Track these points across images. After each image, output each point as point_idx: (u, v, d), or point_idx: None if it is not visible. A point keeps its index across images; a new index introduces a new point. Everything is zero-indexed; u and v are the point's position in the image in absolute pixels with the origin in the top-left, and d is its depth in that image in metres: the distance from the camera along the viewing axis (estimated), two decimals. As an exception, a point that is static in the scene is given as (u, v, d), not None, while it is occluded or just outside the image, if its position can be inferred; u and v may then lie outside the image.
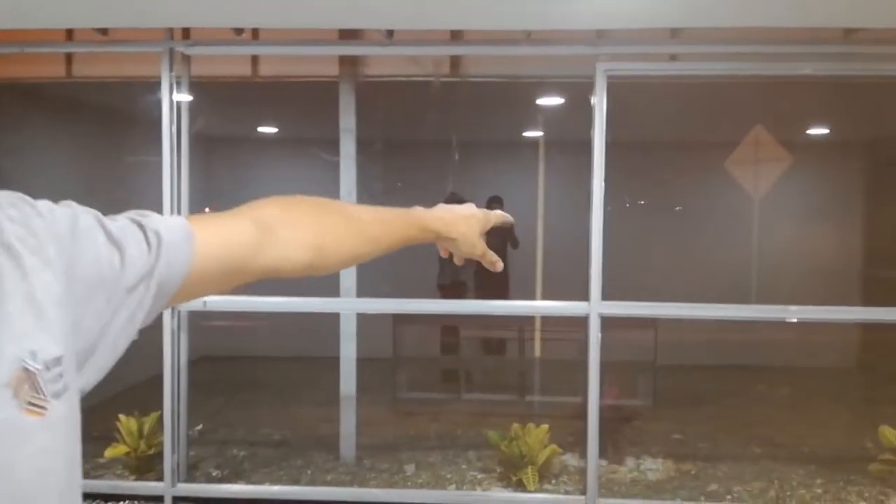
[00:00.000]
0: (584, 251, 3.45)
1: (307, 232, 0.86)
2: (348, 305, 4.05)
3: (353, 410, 4.17)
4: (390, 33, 3.52)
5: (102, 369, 0.64)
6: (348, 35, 3.70)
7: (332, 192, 3.87)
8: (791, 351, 6.20)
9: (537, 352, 5.49)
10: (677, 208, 6.82)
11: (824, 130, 6.59)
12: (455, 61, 3.94)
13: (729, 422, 5.23)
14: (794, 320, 3.76)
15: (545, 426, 3.93)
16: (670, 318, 4.33)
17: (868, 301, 6.78)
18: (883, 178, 6.73)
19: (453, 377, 5.88)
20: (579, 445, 4.19)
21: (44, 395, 0.54)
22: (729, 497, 3.87)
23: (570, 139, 5.62)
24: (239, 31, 3.54)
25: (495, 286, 5.30)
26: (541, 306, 4.93)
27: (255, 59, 4.20)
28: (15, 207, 0.59)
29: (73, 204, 0.65)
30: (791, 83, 3.74)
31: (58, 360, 0.56)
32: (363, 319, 4.18)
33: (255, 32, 3.71)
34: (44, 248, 0.59)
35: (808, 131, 6.51)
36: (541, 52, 3.48)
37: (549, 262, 5.18)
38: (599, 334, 3.48)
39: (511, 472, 3.86)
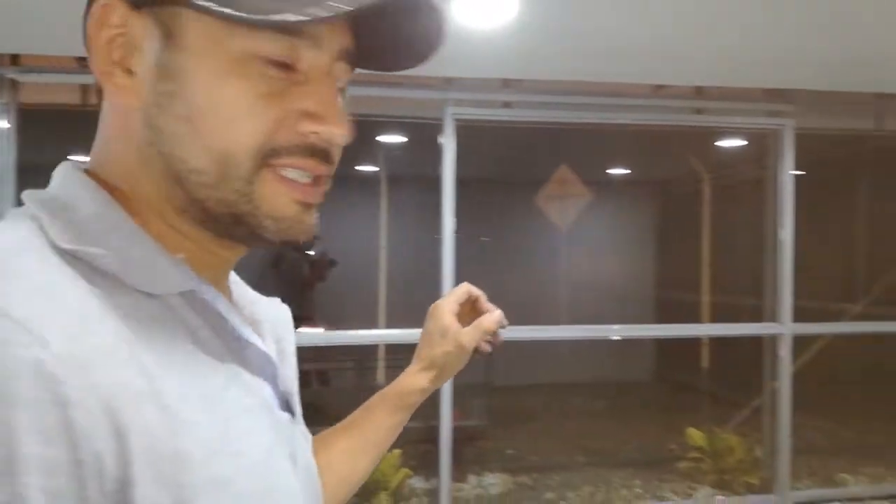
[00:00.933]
0: (424, 281, 3.66)
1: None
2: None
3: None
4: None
5: None
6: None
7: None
8: (597, 367, 6.85)
9: (380, 379, 5.61)
10: (484, 238, 7.12)
11: (627, 171, 7.46)
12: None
13: (555, 435, 5.69)
14: (617, 338, 4.23)
15: (397, 451, 4.06)
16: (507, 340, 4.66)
17: (661, 319, 7.72)
18: (673, 213, 7.74)
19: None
20: (424, 468, 4.37)
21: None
22: (563, 502, 4.24)
23: (410, 174, 5.89)
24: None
25: (334, 317, 5.35)
26: (396, 334, 5.07)
27: (84, 88, 3.98)
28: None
29: None
30: (604, 129, 4.24)
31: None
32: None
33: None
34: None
35: (614, 171, 7.34)
36: (395, 94, 3.68)
37: (392, 292, 5.35)
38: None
39: (364, 500, 3.94)
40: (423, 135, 4.33)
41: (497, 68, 3.50)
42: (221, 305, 0.54)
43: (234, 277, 0.64)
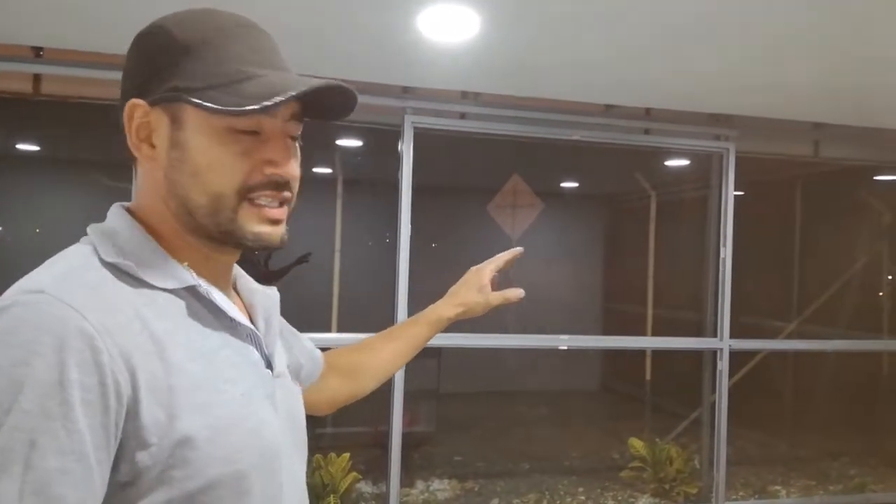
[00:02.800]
0: (378, 286, 3.69)
1: (342, 367, 1.26)
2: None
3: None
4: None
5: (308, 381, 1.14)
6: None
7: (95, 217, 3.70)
8: (544, 376, 6.97)
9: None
10: (433, 245, 7.20)
11: (577, 185, 7.62)
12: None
13: (501, 442, 5.77)
14: (565, 347, 4.33)
15: (346, 454, 4.07)
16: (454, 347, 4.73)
17: (607, 330, 7.89)
18: (621, 227, 7.94)
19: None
20: (372, 472, 4.39)
21: (299, 377, 1.03)
22: (508, 509, 4.31)
23: (367, 179, 5.91)
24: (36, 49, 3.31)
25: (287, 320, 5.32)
26: (347, 339, 5.06)
27: (37, 77, 3.90)
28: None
29: None
30: (557, 143, 4.34)
31: (298, 362, 1.08)
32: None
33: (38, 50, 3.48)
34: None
35: (565, 184, 7.49)
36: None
37: (345, 296, 5.35)
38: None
39: (313, 503, 3.94)
40: (382, 141, 4.38)
41: (456, 80, 3.57)
42: (215, 296, 0.80)
43: (239, 272, 0.92)
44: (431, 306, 1.33)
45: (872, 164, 5.27)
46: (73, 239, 0.80)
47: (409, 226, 3.74)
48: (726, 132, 4.28)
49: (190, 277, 0.78)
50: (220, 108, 0.74)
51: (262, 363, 0.84)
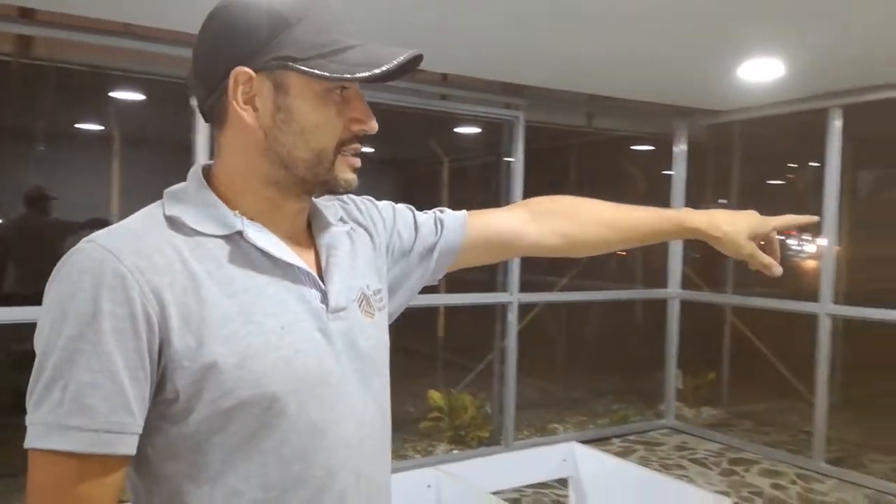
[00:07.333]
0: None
1: (559, 223, 1.21)
2: None
3: None
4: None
5: (402, 305, 1.15)
6: None
7: None
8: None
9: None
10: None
11: (371, 149, 7.67)
12: (25, 42, 3.51)
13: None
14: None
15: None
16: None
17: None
18: (413, 192, 8.16)
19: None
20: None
21: (373, 308, 1.01)
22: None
23: (153, 137, 5.43)
24: None
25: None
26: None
27: None
28: (365, 202, 1.12)
29: (395, 204, 1.18)
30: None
31: (379, 291, 1.05)
32: None
33: None
34: (378, 227, 1.10)
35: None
36: (140, 46, 3.39)
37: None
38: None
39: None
40: (170, 95, 4.06)
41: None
42: (264, 241, 0.89)
43: (318, 215, 1.00)
44: (686, 209, 1.24)
45: (633, 135, 5.94)
46: None
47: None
48: (517, 101, 4.56)
49: (239, 224, 0.88)
50: (332, 75, 0.84)
51: (317, 299, 0.92)
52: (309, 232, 1.00)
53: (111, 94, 4.70)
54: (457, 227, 1.16)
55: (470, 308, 4.99)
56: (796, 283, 6.12)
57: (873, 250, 6.37)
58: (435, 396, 4.82)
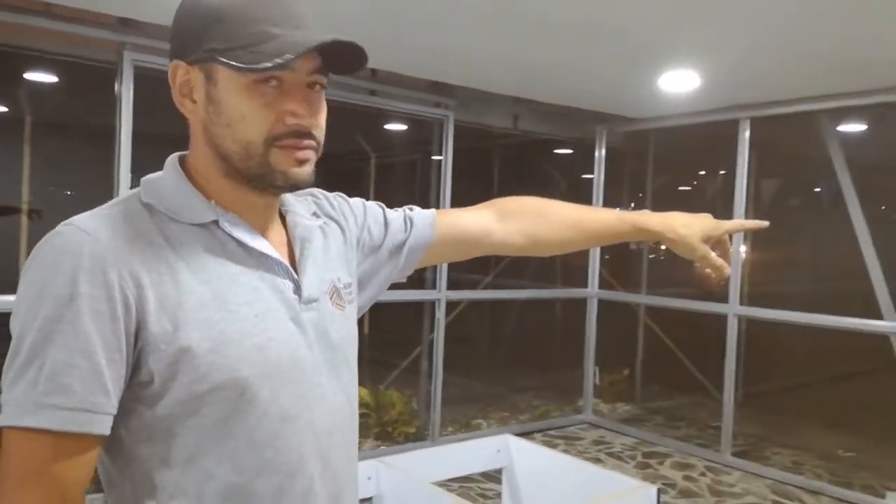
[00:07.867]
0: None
1: (525, 223, 1.24)
2: None
3: None
4: None
5: (370, 300, 1.15)
6: None
7: None
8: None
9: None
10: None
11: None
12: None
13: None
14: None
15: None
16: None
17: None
18: (338, 187, 8.06)
19: None
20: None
21: (343, 301, 1.03)
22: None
23: (69, 122, 5.16)
24: None
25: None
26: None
27: None
28: (337, 198, 1.14)
29: (365, 201, 1.18)
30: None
31: (350, 284, 1.06)
32: None
33: None
34: (349, 222, 1.11)
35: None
36: (63, 28, 3.23)
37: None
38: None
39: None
40: (91, 79, 3.89)
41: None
42: (239, 231, 0.91)
43: (293, 209, 1.02)
44: (644, 211, 1.27)
45: (556, 138, 6.11)
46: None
47: (130, 176, 3.40)
48: (446, 101, 4.62)
49: (213, 214, 0.90)
50: (241, 65, 0.84)
51: (290, 289, 0.94)
52: (284, 225, 1.01)
53: (25, 75, 4.45)
54: (426, 225, 1.18)
55: (396, 305, 5.02)
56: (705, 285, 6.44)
57: (774, 256, 6.79)
58: (362, 393, 4.81)
